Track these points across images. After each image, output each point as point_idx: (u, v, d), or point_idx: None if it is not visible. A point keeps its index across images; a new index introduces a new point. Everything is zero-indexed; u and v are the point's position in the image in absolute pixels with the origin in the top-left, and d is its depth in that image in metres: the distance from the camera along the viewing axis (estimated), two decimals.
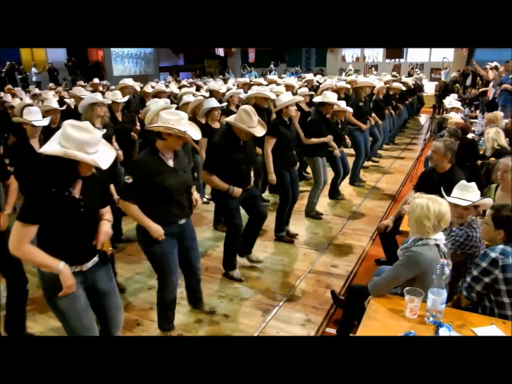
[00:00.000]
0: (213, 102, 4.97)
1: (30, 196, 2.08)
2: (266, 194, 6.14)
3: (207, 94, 6.65)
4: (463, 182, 2.92)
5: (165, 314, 3.10)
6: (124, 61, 18.58)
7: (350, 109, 5.76)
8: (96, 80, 10.19)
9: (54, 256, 2.10)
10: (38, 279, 2.22)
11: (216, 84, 8.27)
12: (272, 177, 4.42)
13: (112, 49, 17.59)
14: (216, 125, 4.97)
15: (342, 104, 5.49)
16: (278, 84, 7.46)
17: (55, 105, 4.76)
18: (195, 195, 3.05)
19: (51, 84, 11.99)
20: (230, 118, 3.59)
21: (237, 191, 3.63)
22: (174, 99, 7.34)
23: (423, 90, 13.32)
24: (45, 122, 3.76)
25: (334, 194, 6.06)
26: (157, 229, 2.73)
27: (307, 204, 5.37)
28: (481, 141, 5.18)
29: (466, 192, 2.83)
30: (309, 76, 9.46)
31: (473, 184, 2.89)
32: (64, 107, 5.51)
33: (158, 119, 2.66)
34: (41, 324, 3.31)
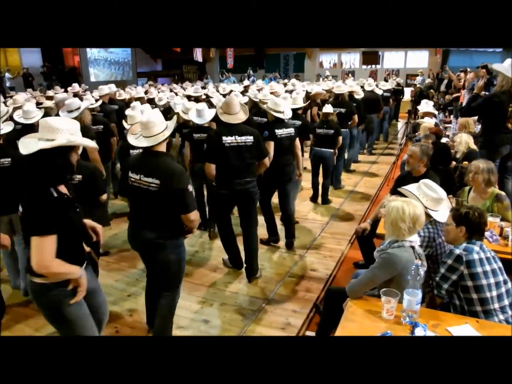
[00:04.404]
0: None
1: (38, 205, 1.99)
2: None
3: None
4: (426, 180, 3.00)
5: (171, 320, 3.06)
6: (101, 66, 18.38)
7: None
8: (76, 86, 9.91)
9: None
10: (35, 297, 2.17)
11: (191, 89, 8.33)
12: None
13: (88, 54, 17.39)
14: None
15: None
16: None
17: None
18: None
19: (29, 90, 11.71)
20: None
21: None
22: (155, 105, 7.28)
23: (403, 94, 13.44)
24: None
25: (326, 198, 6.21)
26: None
27: None
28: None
29: (427, 190, 2.91)
30: (317, 87, 9.13)
31: (435, 184, 2.96)
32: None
33: None
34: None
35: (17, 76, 14.82)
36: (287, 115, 4.49)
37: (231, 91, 8.50)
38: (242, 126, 3.81)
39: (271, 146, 4.28)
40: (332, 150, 5.98)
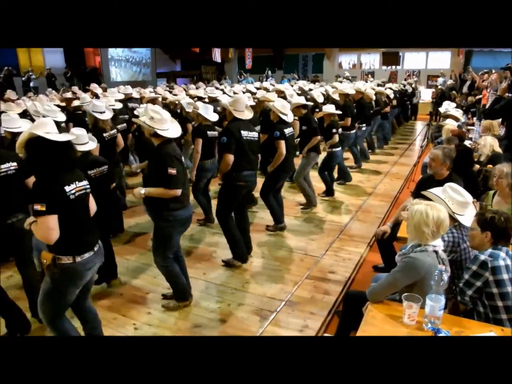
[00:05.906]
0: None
1: None
2: None
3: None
4: (452, 184, 2.94)
5: None
6: (123, 66, 18.59)
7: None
8: (95, 86, 10.03)
9: None
10: None
11: (196, 90, 8.64)
12: None
13: (111, 53, 17.61)
14: None
15: None
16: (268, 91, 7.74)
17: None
18: None
19: (48, 90, 11.92)
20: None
21: None
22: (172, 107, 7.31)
23: (413, 97, 13.21)
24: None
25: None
26: None
27: None
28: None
29: (453, 193, 2.84)
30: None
31: (461, 188, 2.89)
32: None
33: None
34: None
35: (39, 76, 15.15)
36: (290, 118, 4.83)
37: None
38: (248, 123, 4.13)
39: (282, 144, 4.58)
40: None
